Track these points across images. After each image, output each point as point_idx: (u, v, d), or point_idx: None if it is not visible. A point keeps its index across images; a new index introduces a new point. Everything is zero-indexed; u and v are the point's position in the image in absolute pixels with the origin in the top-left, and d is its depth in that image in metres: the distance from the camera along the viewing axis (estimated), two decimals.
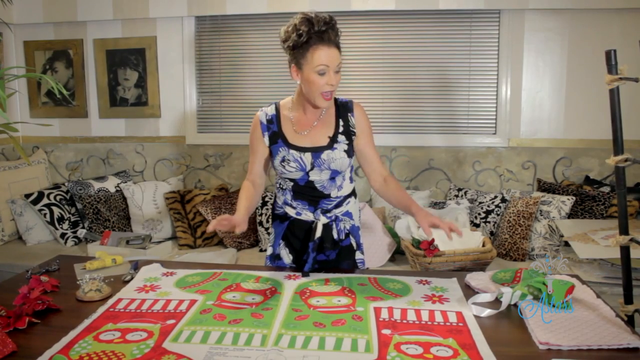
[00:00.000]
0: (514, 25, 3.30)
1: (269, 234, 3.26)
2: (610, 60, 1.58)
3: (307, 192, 1.78)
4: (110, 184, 3.53)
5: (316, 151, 1.72)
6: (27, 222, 3.35)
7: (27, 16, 3.65)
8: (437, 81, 3.44)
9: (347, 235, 1.84)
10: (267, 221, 3.27)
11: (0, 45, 3.63)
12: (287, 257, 1.86)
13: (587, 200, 3.07)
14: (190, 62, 3.61)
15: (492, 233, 3.14)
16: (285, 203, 1.83)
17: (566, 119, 3.35)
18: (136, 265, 1.78)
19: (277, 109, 1.80)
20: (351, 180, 1.85)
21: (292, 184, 1.79)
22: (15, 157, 3.76)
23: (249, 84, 3.61)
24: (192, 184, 3.72)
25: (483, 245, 2.68)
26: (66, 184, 3.52)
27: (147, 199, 3.41)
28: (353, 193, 1.86)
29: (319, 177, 1.75)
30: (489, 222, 3.14)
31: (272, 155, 1.77)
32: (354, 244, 1.86)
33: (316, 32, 1.58)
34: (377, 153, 1.83)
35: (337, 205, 1.80)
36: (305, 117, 1.77)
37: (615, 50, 1.58)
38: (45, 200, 3.33)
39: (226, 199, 3.37)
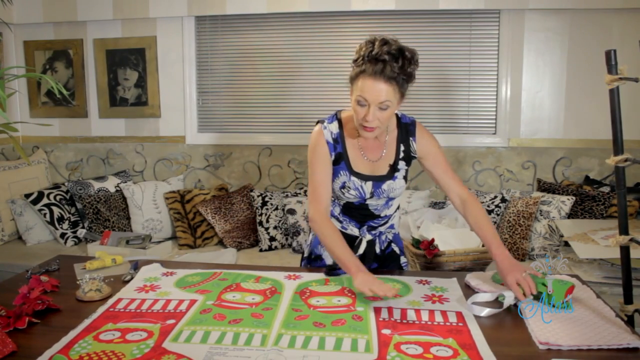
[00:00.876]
0: (514, 25, 3.30)
1: (267, 235, 3.26)
2: (610, 60, 1.58)
3: (358, 212, 1.73)
4: (110, 184, 3.53)
5: (377, 180, 1.65)
6: (27, 222, 3.35)
7: (27, 16, 3.65)
8: (437, 81, 3.44)
9: (389, 243, 1.82)
10: (267, 221, 3.27)
11: (0, 45, 3.63)
12: (329, 257, 1.79)
13: (587, 200, 3.07)
14: (190, 62, 3.61)
15: None
16: (332, 215, 1.76)
17: (566, 119, 3.35)
18: (136, 265, 1.78)
19: (341, 125, 1.66)
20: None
21: (345, 201, 1.72)
22: (15, 157, 3.76)
23: (249, 83, 3.61)
24: (192, 184, 3.72)
25: (483, 245, 2.68)
26: (66, 183, 3.52)
27: (147, 199, 3.41)
28: (398, 207, 1.83)
29: (375, 203, 1.71)
30: None
31: (334, 178, 1.67)
32: (397, 250, 1.85)
33: (369, 60, 1.45)
34: (451, 172, 1.70)
35: (384, 223, 1.78)
36: (367, 141, 1.65)
37: (615, 50, 1.58)
38: (45, 200, 3.33)
39: (226, 199, 3.37)
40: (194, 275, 1.69)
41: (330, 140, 1.64)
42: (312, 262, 1.84)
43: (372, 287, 1.40)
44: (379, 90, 1.45)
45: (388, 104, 1.47)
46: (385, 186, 1.67)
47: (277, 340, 1.23)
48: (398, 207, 1.83)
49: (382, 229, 1.79)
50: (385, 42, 1.46)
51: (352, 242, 1.74)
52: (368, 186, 1.66)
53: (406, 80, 1.49)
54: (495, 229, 1.62)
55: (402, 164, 1.69)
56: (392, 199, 1.73)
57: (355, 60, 1.50)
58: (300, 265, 1.90)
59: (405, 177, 1.70)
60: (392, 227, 1.82)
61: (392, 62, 1.44)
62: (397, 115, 1.70)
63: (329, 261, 1.81)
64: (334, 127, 1.65)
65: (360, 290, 1.42)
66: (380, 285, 1.41)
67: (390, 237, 1.83)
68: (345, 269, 1.53)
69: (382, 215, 1.75)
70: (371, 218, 1.75)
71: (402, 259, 1.87)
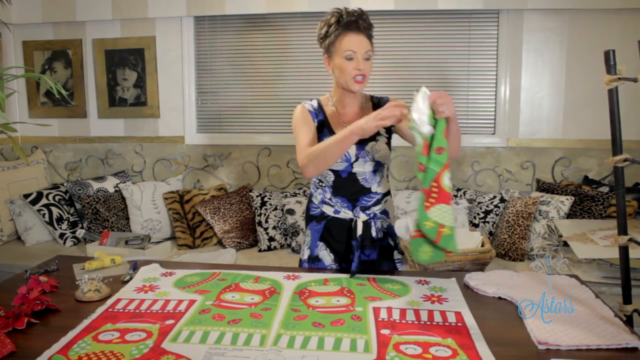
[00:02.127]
0: (513, 25, 3.30)
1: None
2: (609, 61, 1.58)
3: (348, 187, 1.77)
4: (109, 184, 3.53)
5: (360, 142, 1.71)
6: (26, 222, 3.35)
7: (26, 16, 3.65)
8: (436, 81, 3.44)
9: (385, 235, 1.84)
10: (266, 221, 3.27)
11: None
12: (328, 257, 1.83)
13: (586, 201, 3.07)
14: (189, 62, 3.61)
15: (491, 233, 3.14)
16: (323, 202, 1.82)
17: (565, 119, 3.35)
18: (135, 266, 1.78)
19: (319, 103, 1.83)
20: (388, 178, 1.85)
21: (333, 177, 1.77)
22: (14, 157, 3.75)
23: (248, 84, 3.61)
24: (191, 184, 3.72)
25: (482, 246, 2.68)
26: (65, 184, 3.52)
27: (146, 199, 3.41)
28: (389, 192, 1.87)
29: (362, 169, 1.76)
30: (488, 222, 3.15)
31: None
32: (392, 243, 1.87)
33: (345, 22, 1.66)
34: None
35: (376, 203, 1.81)
36: (345, 112, 1.80)
37: (614, 51, 1.58)
38: (44, 201, 3.33)
39: (225, 199, 3.37)
40: (193, 275, 1.69)
41: (312, 110, 1.79)
42: (311, 263, 1.85)
43: (379, 115, 1.49)
44: (363, 41, 1.66)
45: (370, 53, 1.68)
46: (368, 147, 1.74)
47: (276, 340, 1.23)
48: (389, 194, 1.86)
49: (375, 209, 1.81)
50: (345, 10, 1.68)
51: (347, 226, 1.79)
52: (352, 147, 1.72)
53: (372, 37, 1.71)
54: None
55: (382, 130, 1.78)
56: (379, 164, 1.77)
57: (324, 35, 1.70)
58: (299, 266, 1.90)
59: (388, 145, 1.80)
60: (386, 214, 1.85)
61: (360, 19, 1.66)
62: (370, 96, 1.86)
63: (327, 262, 1.82)
64: (313, 102, 1.83)
65: (372, 125, 1.50)
66: (385, 110, 1.49)
67: (385, 225, 1.84)
68: (349, 134, 1.56)
69: (372, 190, 1.79)
70: (362, 193, 1.78)
71: (397, 255, 1.88)
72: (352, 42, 1.65)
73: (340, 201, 1.79)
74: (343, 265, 1.83)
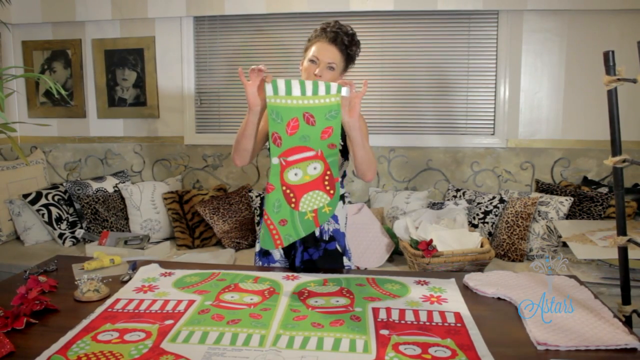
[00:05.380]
0: (513, 26, 3.30)
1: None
2: (609, 61, 1.58)
3: None
4: (109, 184, 3.53)
5: None
6: (25, 222, 3.34)
7: (25, 16, 3.65)
8: (436, 82, 3.45)
9: (331, 238, 1.84)
10: None
11: None
12: (277, 252, 1.88)
13: (585, 201, 3.08)
14: (189, 62, 3.61)
15: (490, 234, 3.15)
16: None
17: (564, 119, 3.35)
18: (134, 266, 1.78)
19: None
20: (342, 185, 1.84)
21: None
22: (14, 157, 3.75)
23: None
24: (190, 184, 3.72)
25: (481, 246, 2.69)
26: (64, 184, 3.51)
27: (145, 199, 3.41)
28: (342, 198, 1.86)
29: None
30: (487, 222, 3.15)
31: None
32: (339, 249, 1.85)
33: (327, 31, 1.73)
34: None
35: None
36: None
37: (613, 51, 1.58)
38: (43, 201, 3.33)
39: (224, 199, 3.37)
40: (192, 275, 1.69)
41: None
42: (263, 257, 1.89)
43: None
44: (331, 52, 1.72)
45: (334, 65, 1.72)
46: None
47: (275, 340, 1.23)
48: (343, 202, 1.87)
49: None
50: (338, 23, 1.76)
51: None
52: None
53: (350, 57, 1.77)
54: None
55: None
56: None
57: (308, 40, 1.79)
58: (255, 261, 1.93)
59: (341, 152, 1.75)
60: (334, 218, 1.84)
61: (343, 35, 1.73)
62: None
63: (276, 257, 1.88)
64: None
65: (247, 95, 1.59)
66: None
67: (331, 228, 1.83)
68: (247, 113, 1.65)
69: None
70: None
71: (346, 262, 1.87)
72: (321, 48, 1.72)
73: None
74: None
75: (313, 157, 1.59)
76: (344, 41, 1.72)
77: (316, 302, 1.46)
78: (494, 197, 3.19)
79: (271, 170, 1.61)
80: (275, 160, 1.59)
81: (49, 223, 3.31)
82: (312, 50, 1.74)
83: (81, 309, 1.43)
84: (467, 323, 1.33)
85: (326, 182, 1.60)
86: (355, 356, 1.16)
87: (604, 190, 3.15)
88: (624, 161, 1.59)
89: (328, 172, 1.61)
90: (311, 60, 1.73)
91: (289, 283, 1.61)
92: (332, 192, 1.61)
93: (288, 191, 1.60)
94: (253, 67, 1.57)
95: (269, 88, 1.53)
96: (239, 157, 1.75)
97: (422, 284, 1.61)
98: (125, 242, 3.00)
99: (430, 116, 3.48)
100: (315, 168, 1.60)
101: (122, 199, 3.45)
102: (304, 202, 1.60)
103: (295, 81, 1.52)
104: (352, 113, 1.55)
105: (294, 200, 1.60)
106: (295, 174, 1.59)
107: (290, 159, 1.57)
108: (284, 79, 1.57)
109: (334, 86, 1.52)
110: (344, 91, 1.54)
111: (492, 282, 1.59)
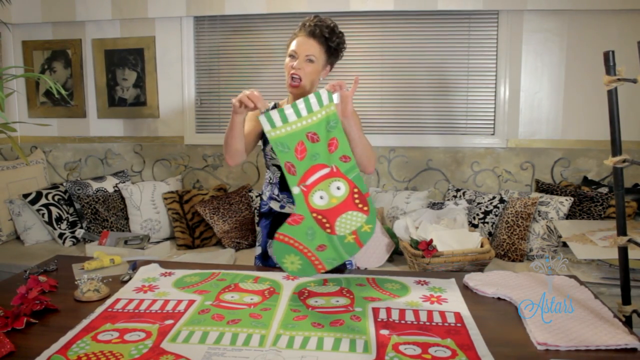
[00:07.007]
0: (513, 26, 3.30)
1: None
2: (609, 61, 1.58)
3: None
4: (109, 184, 3.53)
5: None
6: (25, 222, 3.34)
7: (25, 16, 3.64)
8: (436, 82, 3.45)
9: None
10: None
11: None
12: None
13: (585, 201, 3.08)
14: (189, 62, 3.61)
15: (490, 234, 3.15)
16: (271, 198, 1.88)
17: (564, 119, 3.35)
18: (134, 266, 1.78)
19: (276, 105, 1.88)
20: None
21: (279, 174, 1.83)
22: (14, 157, 3.75)
23: (248, 84, 3.61)
24: (190, 184, 3.72)
25: (481, 246, 2.69)
26: (64, 184, 3.51)
27: (145, 199, 3.41)
28: None
29: None
30: (487, 222, 3.15)
31: (265, 144, 1.86)
32: None
33: (305, 27, 1.74)
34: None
35: None
36: None
37: (613, 51, 1.58)
38: (43, 200, 3.33)
39: (224, 199, 3.37)
40: (192, 275, 1.69)
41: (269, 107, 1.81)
42: (263, 261, 1.91)
43: (240, 95, 1.54)
44: (309, 44, 1.72)
45: (313, 58, 1.72)
46: None
47: (275, 340, 1.23)
48: None
49: None
50: (318, 17, 1.76)
51: None
52: None
53: (333, 50, 1.76)
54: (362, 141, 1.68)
55: None
56: None
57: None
58: (254, 263, 1.94)
59: None
60: None
61: (322, 27, 1.73)
62: None
63: (277, 260, 1.86)
64: (271, 104, 1.87)
65: (235, 102, 1.56)
66: (242, 93, 1.54)
67: None
68: (231, 122, 1.64)
69: None
70: None
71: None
72: (299, 42, 1.73)
73: (287, 197, 1.83)
74: None
75: (329, 174, 1.53)
76: (324, 33, 1.73)
77: (316, 302, 1.46)
78: (494, 197, 3.19)
79: (296, 201, 1.53)
80: (296, 190, 1.52)
81: (49, 223, 3.31)
82: (291, 45, 1.75)
83: (81, 308, 1.43)
84: (467, 323, 1.33)
85: (357, 201, 1.54)
86: (355, 356, 1.16)
87: (604, 190, 3.15)
88: (624, 161, 1.59)
89: (355, 190, 1.54)
90: (290, 56, 1.74)
91: (289, 283, 1.61)
92: (365, 208, 1.54)
93: (320, 217, 1.53)
94: (247, 92, 1.54)
95: (265, 123, 1.48)
96: (231, 158, 1.75)
97: (422, 284, 1.61)
98: (125, 242, 3.00)
99: (431, 116, 3.48)
100: (338, 188, 1.53)
101: (122, 198, 3.45)
102: (339, 226, 1.54)
103: (288, 106, 1.47)
104: (345, 113, 1.55)
105: (328, 225, 1.53)
106: (321, 197, 1.53)
107: (309, 182, 1.52)
108: (275, 108, 1.57)
109: (324, 95, 1.48)
110: (336, 98, 1.51)
111: (492, 282, 1.59)
